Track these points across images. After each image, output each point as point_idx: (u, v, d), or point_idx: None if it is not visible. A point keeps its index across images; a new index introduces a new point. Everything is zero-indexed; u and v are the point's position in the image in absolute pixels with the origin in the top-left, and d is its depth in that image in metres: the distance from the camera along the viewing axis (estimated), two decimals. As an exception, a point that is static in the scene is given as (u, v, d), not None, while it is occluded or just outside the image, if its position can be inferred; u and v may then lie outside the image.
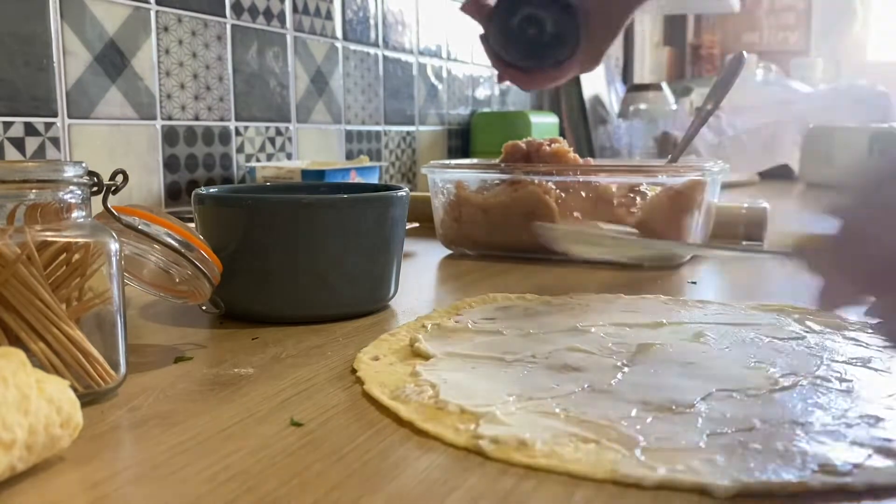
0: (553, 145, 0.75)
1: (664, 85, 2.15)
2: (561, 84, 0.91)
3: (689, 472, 0.27)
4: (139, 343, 0.44)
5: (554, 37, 0.80)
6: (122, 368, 0.35)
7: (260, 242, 0.47)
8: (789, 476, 0.26)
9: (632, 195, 0.69)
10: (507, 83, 0.89)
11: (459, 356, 0.40)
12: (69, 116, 0.83)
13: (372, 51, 1.33)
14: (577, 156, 0.75)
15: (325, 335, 0.45)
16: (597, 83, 2.06)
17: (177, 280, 0.42)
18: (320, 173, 0.99)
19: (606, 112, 2.07)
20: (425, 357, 0.40)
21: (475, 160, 0.93)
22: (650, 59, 2.95)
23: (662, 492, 0.26)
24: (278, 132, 1.14)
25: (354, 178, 1.04)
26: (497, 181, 0.73)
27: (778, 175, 1.77)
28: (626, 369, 0.38)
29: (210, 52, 1.00)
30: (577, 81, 1.96)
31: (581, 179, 0.70)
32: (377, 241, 0.50)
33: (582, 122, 1.95)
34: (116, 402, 0.34)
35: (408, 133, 1.46)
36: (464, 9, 0.86)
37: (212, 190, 0.52)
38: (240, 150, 1.07)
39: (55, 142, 0.82)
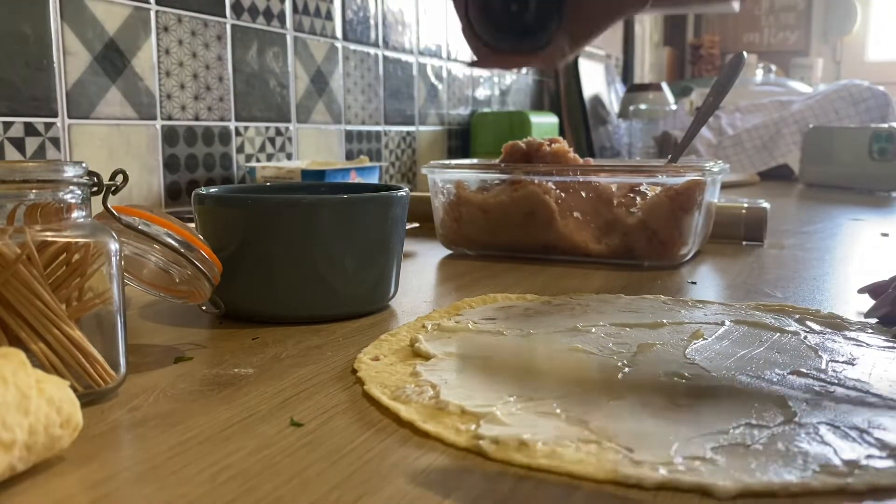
0: (553, 145, 0.75)
1: (664, 85, 2.15)
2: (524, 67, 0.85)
3: (691, 472, 0.27)
4: (139, 343, 0.44)
5: (536, 17, 0.77)
6: (122, 368, 0.35)
7: (260, 242, 0.47)
8: (791, 476, 0.26)
9: (632, 195, 0.69)
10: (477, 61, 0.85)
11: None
12: (69, 116, 0.83)
13: (372, 51, 1.33)
14: (577, 156, 0.75)
15: (325, 335, 0.45)
16: (597, 83, 2.06)
17: (177, 280, 0.42)
18: (320, 173, 0.99)
19: (606, 112, 2.07)
20: (426, 357, 0.40)
21: (475, 160, 0.93)
22: (650, 59, 2.95)
23: (663, 492, 0.26)
24: (278, 132, 1.14)
25: (354, 178, 1.04)
26: (497, 181, 0.73)
27: (778, 175, 1.77)
28: (626, 369, 0.38)
29: (210, 52, 1.00)
30: (577, 81, 1.96)
31: (581, 179, 0.70)
32: (377, 241, 0.50)
33: (582, 122, 1.95)
34: (116, 402, 0.34)
35: (408, 133, 1.46)
36: None
37: (212, 190, 0.52)
38: (240, 150, 1.07)
39: (55, 142, 0.82)
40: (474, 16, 0.78)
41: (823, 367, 0.38)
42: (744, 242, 0.81)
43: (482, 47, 0.79)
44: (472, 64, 0.79)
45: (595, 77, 2.05)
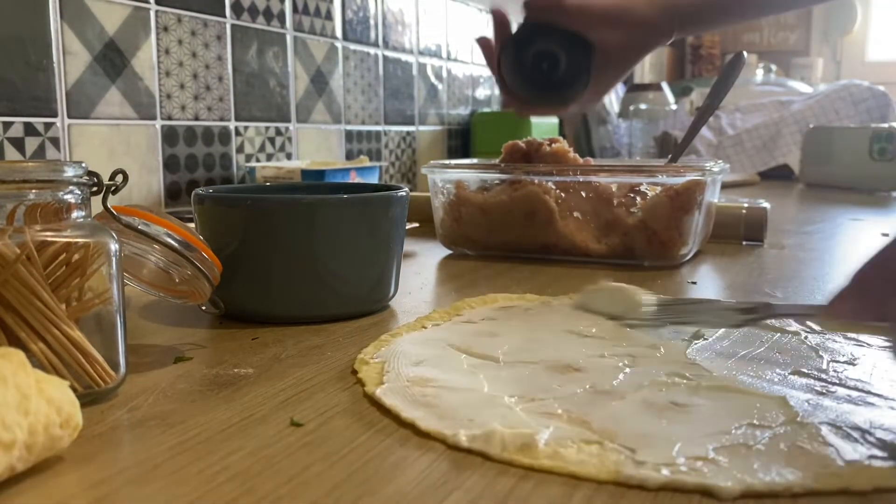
0: (553, 145, 0.74)
1: (664, 85, 2.15)
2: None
3: (693, 473, 0.27)
4: (139, 343, 0.44)
5: (566, 74, 0.78)
6: (122, 368, 0.35)
7: (260, 242, 0.47)
8: (793, 477, 0.26)
9: (632, 195, 0.69)
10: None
11: (460, 356, 0.40)
12: (69, 116, 0.83)
13: (372, 51, 1.33)
14: (577, 156, 0.75)
15: (325, 335, 0.45)
16: (597, 83, 2.06)
17: (177, 280, 0.42)
18: (320, 173, 0.99)
19: (606, 112, 2.07)
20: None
21: (475, 160, 0.93)
22: (650, 58, 2.95)
23: (663, 493, 0.26)
24: (278, 132, 1.14)
25: (354, 178, 1.04)
26: (497, 181, 0.73)
27: (778, 175, 1.77)
28: (627, 370, 0.38)
29: (210, 51, 1.00)
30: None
31: (581, 179, 0.70)
32: (377, 241, 0.50)
33: (582, 122, 1.95)
34: (116, 402, 0.34)
35: (408, 133, 1.46)
36: (479, 41, 0.84)
37: (212, 190, 0.51)
38: (240, 150, 1.07)
39: (55, 142, 0.82)
40: (507, 72, 0.79)
41: (824, 367, 0.38)
42: (744, 242, 0.81)
43: (514, 99, 0.81)
44: (505, 108, 0.83)
45: (595, 77, 2.05)
